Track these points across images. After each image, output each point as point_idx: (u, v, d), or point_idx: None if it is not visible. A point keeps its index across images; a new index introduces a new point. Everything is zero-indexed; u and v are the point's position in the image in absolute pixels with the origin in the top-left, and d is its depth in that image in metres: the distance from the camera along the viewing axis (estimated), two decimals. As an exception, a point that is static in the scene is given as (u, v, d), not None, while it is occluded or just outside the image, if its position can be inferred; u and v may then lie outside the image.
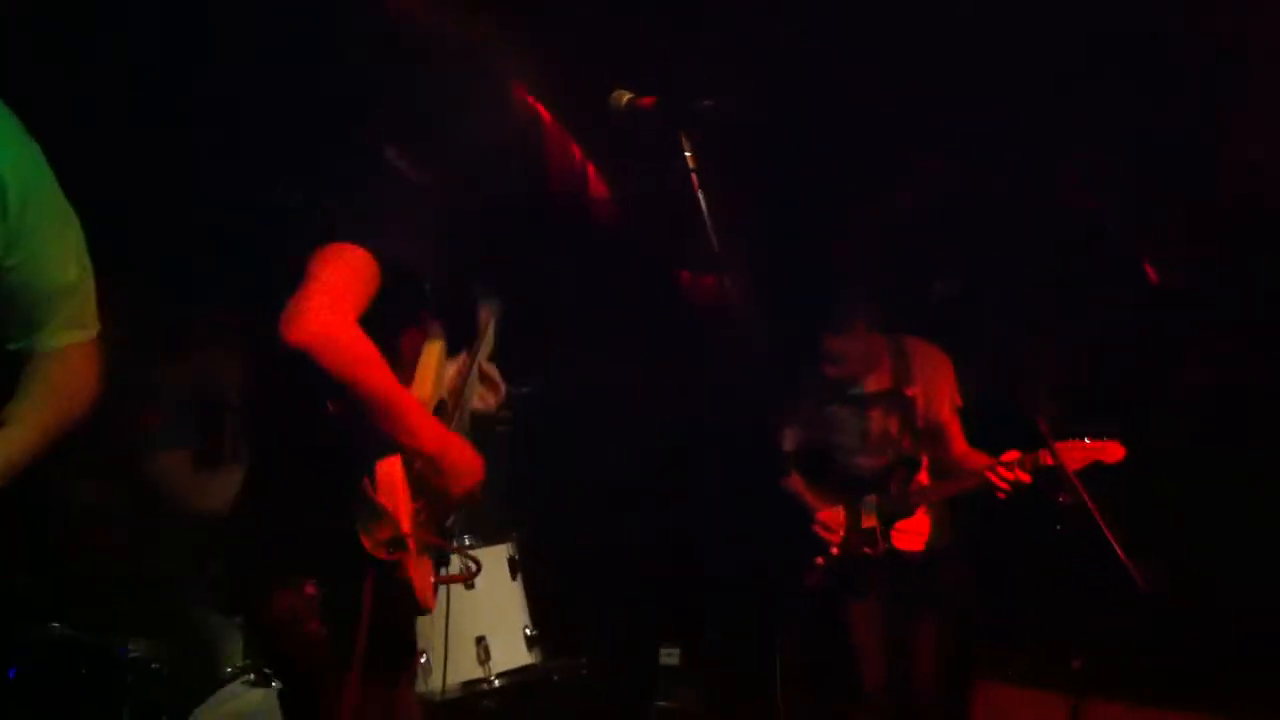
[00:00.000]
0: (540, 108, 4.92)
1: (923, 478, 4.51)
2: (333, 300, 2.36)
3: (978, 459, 4.37)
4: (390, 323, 2.52)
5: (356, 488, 2.40)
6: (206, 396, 3.91)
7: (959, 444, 4.51)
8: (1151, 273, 4.37)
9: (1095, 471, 3.95)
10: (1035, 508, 4.00)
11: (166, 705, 3.45)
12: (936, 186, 4.90)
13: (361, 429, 2.42)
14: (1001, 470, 4.15)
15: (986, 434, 4.49)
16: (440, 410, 2.71)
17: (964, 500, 4.43)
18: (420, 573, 2.54)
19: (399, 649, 2.72)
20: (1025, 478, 4.11)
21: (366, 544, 2.40)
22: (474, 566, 3.38)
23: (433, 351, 2.72)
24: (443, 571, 2.89)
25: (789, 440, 4.61)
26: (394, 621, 2.56)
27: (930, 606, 4.42)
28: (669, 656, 5.12)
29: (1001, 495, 4.13)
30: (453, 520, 2.88)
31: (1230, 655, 4.63)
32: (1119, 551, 3.54)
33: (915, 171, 5.01)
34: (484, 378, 2.95)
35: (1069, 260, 4.86)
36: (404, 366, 2.59)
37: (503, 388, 3.00)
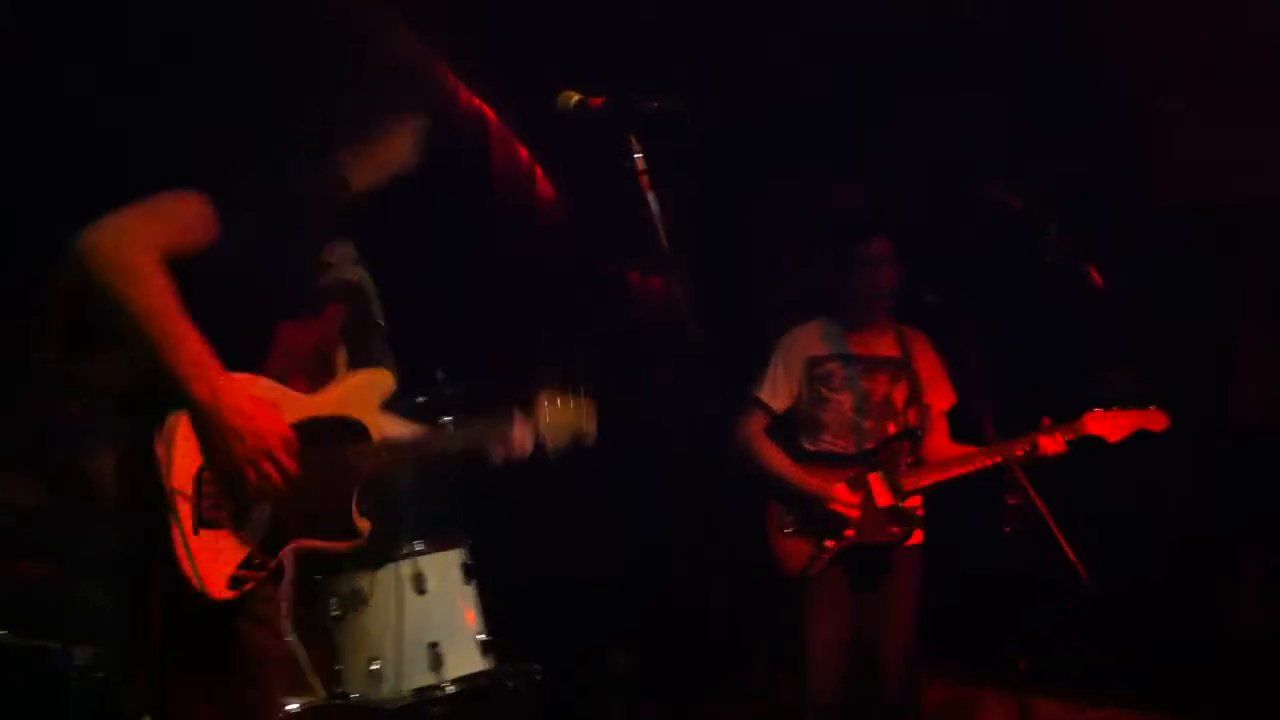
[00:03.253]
0: (487, 109, 4.92)
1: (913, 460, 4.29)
2: (129, 220, 2.27)
3: (960, 449, 4.27)
4: (263, 304, 2.45)
5: (145, 432, 2.27)
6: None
7: (944, 436, 4.41)
8: (1096, 276, 4.42)
9: (1051, 470, 3.97)
10: (981, 507, 4.02)
11: (111, 714, 3.39)
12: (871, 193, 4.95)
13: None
14: (1041, 439, 3.97)
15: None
16: (346, 429, 2.62)
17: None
18: (200, 546, 2.29)
19: (198, 646, 2.40)
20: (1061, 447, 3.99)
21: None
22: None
23: (370, 374, 2.68)
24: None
25: (775, 399, 4.38)
26: (172, 601, 2.28)
27: (899, 600, 4.28)
28: (624, 660, 5.09)
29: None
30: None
31: (1175, 653, 4.70)
32: (1067, 551, 3.57)
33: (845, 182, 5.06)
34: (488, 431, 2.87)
35: (1009, 261, 4.92)
36: (281, 357, 2.50)
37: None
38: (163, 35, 3.93)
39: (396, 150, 2.65)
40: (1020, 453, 3.99)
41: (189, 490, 2.31)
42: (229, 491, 2.38)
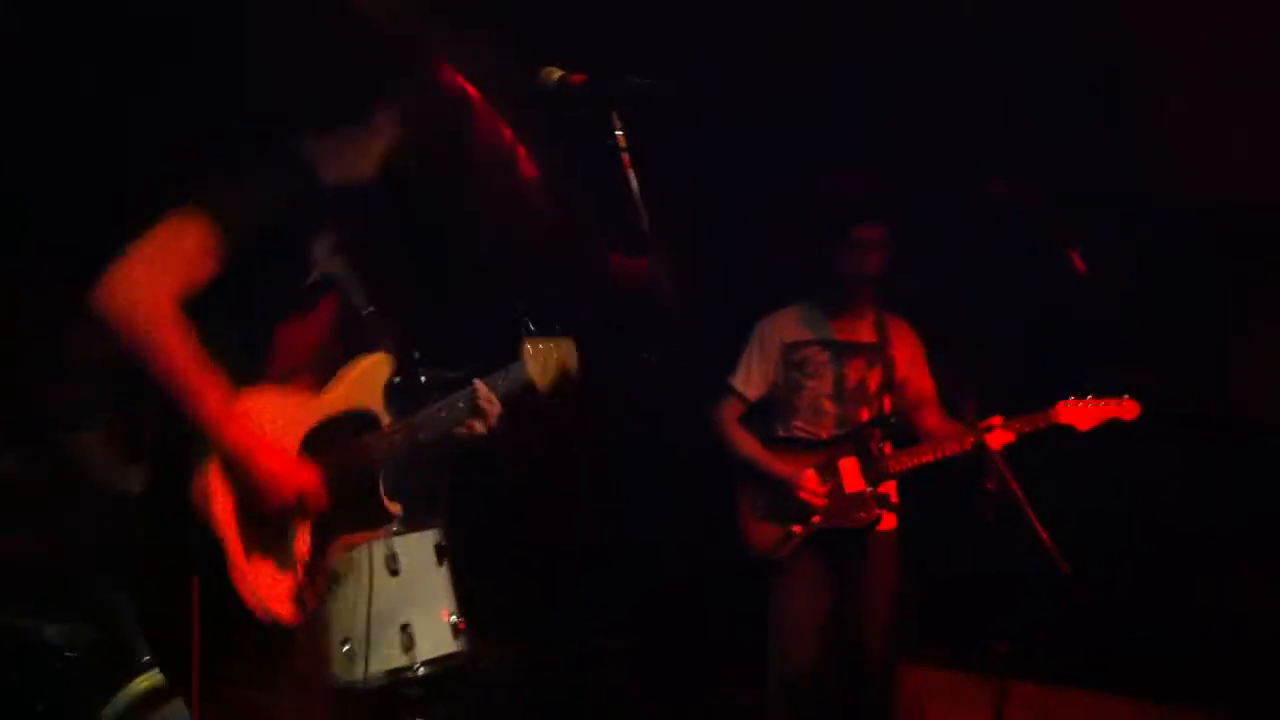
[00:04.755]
0: (470, 88, 4.88)
1: (886, 446, 4.31)
2: (147, 270, 2.28)
3: (953, 428, 4.26)
4: (261, 312, 2.47)
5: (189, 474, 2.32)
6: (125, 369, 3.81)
7: (936, 415, 4.41)
8: (1079, 263, 4.41)
9: (1047, 465, 3.98)
10: (959, 491, 4.03)
11: (83, 693, 3.36)
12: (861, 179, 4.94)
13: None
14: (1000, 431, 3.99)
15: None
16: (358, 421, 2.64)
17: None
18: (256, 577, 2.38)
19: (243, 660, 2.45)
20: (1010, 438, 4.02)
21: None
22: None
23: (369, 362, 2.68)
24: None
25: (749, 386, 4.39)
26: (230, 630, 2.35)
27: (875, 586, 4.28)
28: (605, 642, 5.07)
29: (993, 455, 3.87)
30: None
31: (1152, 639, 4.72)
32: (1043, 537, 3.58)
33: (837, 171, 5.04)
34: (475, 407, 2.84)
35: (993, 249, 4.92)
36: (284, 359, 2.51)
37: (494, 413, 2.90)
38: (152, 34, 3.90)
39: (381, 138, 2.63)
40: (970, 443, 4.02)
41: (232, 523, 2.36)
42: (267, 521, 2.42)
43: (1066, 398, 4.14)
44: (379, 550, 3.83)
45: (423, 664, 3.81)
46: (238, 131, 2.69)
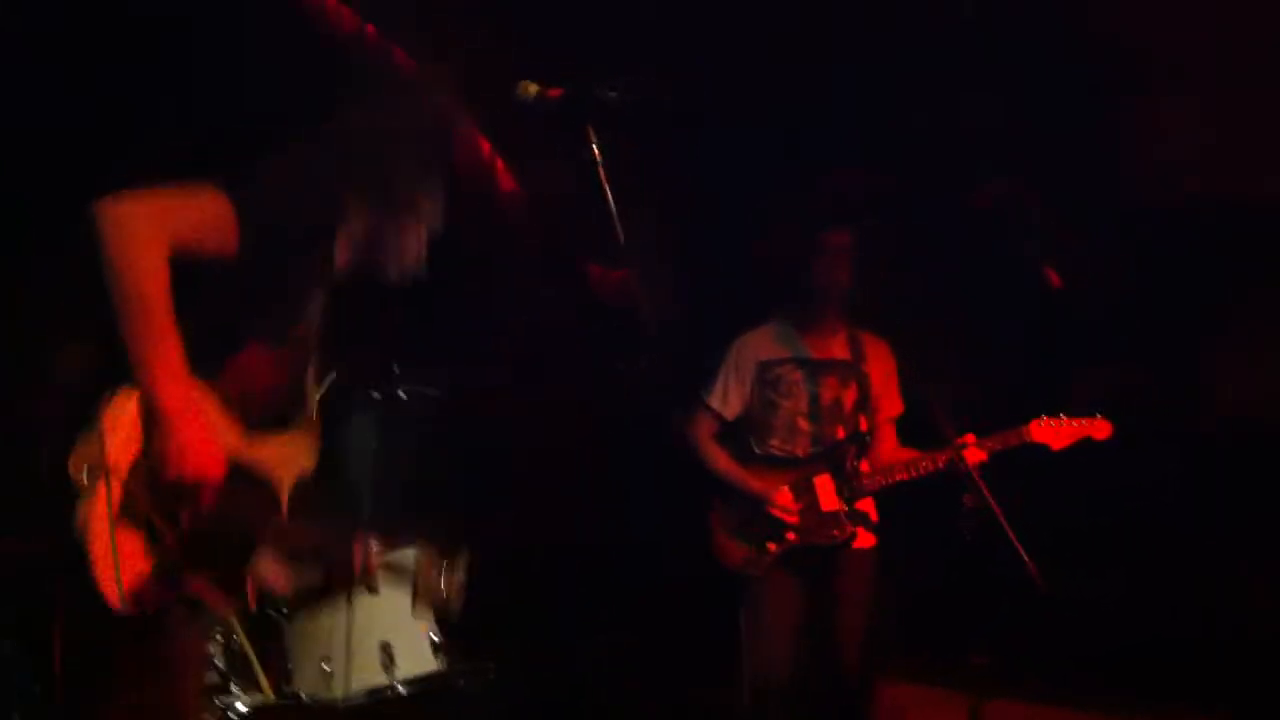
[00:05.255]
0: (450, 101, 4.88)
1: (864, 465, 4.33)
2: (156, 205, 2.26)
3: (907, 454, 4.30)
4: (235, 320, 2.44)
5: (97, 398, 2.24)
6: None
7: (891, 442, 4.44)
8: (1054, 278, 4.44)
9: (1033, 473, 4.01)
10: (936, 507, 4.04)
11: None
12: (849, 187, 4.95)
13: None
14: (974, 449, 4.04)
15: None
16: (262, 490, 2.56)
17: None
18: (107, 546, 2.20)
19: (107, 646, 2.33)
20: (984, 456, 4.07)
21: (69, 464, 2.20)
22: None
23: (299, 444, 2.64)
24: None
25: (725, 407, 4.40)
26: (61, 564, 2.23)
27: (852, 599, 4.30)
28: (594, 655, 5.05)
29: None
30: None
31: (1128, 654, 4.72)
32: (1020, 552, 3.59)
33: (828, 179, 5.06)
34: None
35: (985, 250, 4.95)
36: (237, 375, 2.47)
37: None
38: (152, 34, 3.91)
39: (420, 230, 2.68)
40: (944, 460, 4.04)
41: (123, 473, 2.26)
42: (154, 493, 2.31)
43: (1039, 416, 4.17)
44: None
45: (403, 682, 3.79)
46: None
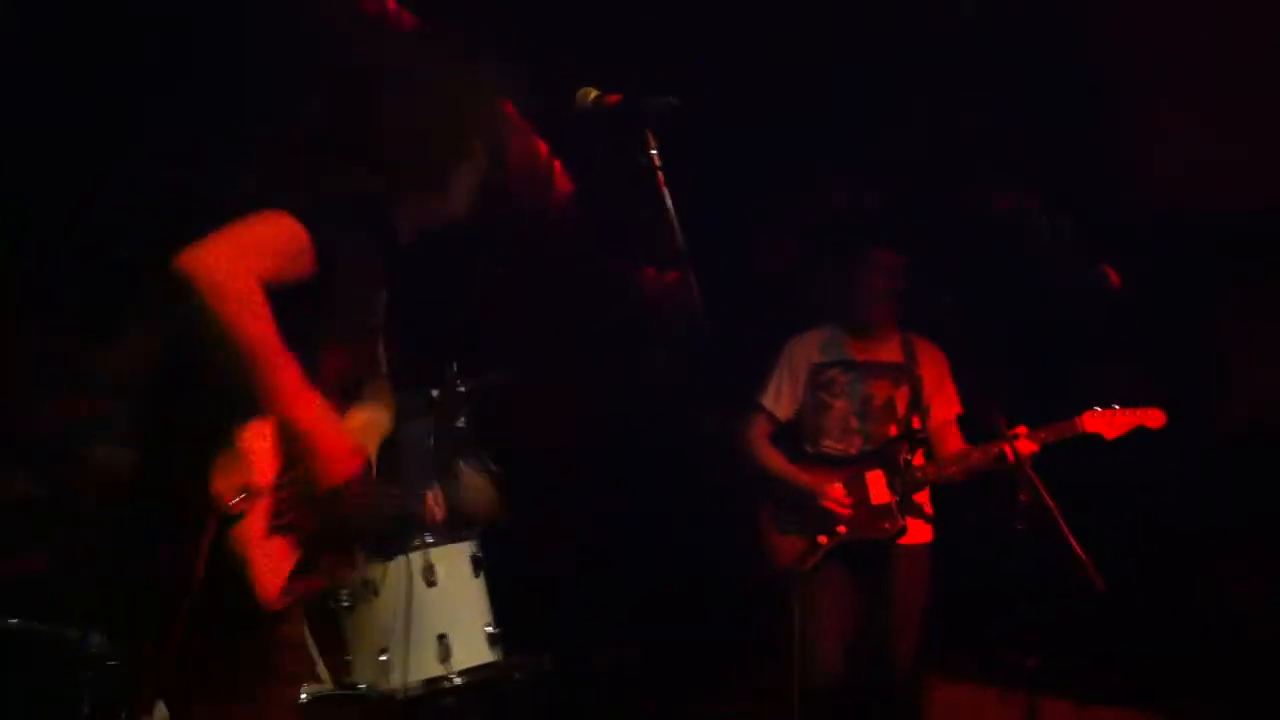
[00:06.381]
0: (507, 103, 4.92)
1: (917, 459, 4.36)
2: (238, 248, 2.33)
3: (971, 449, 4.31)
4: (314, 330, 2.50)
5: (227, 429, 2.34)
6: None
7: (956, 439, 4.45)
8: (1114, 277, 4.42)
9: (1050, 472, 3.98)
10: (991, 504, 4.03)
11: (126, 703, 3.39)
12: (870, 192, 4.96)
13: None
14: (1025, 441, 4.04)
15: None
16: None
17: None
18: (265, 552, 2.38)
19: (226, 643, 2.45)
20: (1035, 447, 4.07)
21: (216, 486, 2.31)
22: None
23: (372, 415, 2.72)
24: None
25: (779, 407, 4.46)
26: (223, 591, 2.33)
27: (903, 600, 4.32)
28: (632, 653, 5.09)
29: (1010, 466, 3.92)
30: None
31: (1184, 655, 4.70)
32: (1077, 550, 3.58)
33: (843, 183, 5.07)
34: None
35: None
36: (322, 380, 2.53)
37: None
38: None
39: (456, 199, 2.71)
40: (995, 453, 4.03)
41: (269, 490, 2.39)
42: (300, 505, 2.45)
43: (1090, 407, 4.16)
44: (417, 561, 3.87)
45: (459, 674, 3.84)
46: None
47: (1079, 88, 4.89)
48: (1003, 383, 4.16)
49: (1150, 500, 4.88)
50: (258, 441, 2.37)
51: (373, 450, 2.74)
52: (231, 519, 2.32)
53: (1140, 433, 4.16)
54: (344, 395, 2.66)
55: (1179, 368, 4.90)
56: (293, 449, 2.41)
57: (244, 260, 2.32)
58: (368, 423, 2.73)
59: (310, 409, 2.41)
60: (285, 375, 2.36)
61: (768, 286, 4.69)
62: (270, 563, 2.40)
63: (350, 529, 2.70)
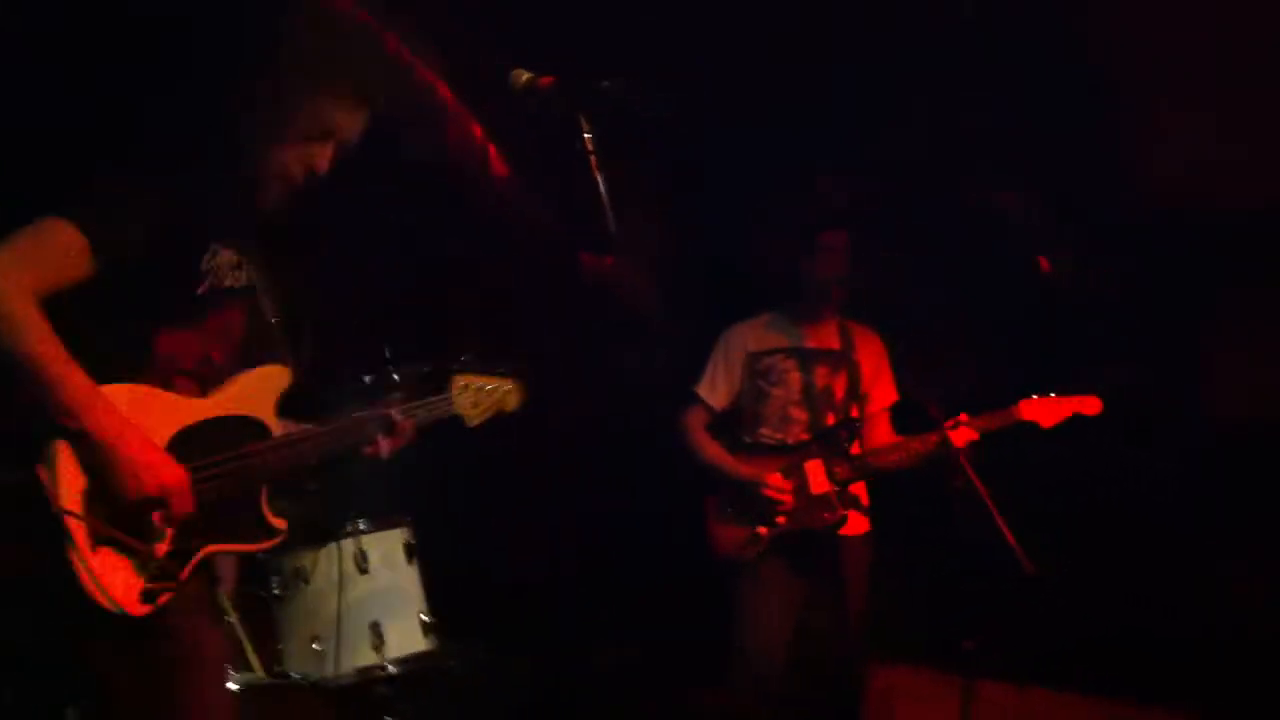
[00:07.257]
0: (441, 86, 4.88)
1: (855, 449, 4.35)
2: (5, 264, 2.30)
3: (904, 440, 4.31)
4: (136, 316, 2.46)
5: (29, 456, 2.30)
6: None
7: (886, 430, 4.46)
8: (1045, 264, 4.46)
9: (1029, 462, 4.02)
10: (925, 490, 4.06)
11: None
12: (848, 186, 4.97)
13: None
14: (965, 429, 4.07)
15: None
16: (244, 429, 2.60)
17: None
18: (105, 569, 2.32)
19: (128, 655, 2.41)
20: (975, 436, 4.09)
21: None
22: None
23: (263, 371, 2.66)
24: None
25: (714, 396, 4.45)
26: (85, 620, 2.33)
27: (844, 589, 4.28)
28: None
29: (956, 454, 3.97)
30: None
31: (1118, 637, 4.76)
32: (1007, 535, 3.61)
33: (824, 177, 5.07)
34: (389, 429, 2.83)
35: (968, 253, 4.97)
36: (163, 363, 2.50)
37: (405, 439, 2.88)
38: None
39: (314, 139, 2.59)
40: (936, 441, 4.06)
41: (79, 510, 2.32)
42: (125, 511, 2.37)
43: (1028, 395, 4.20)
44: (348, 548, 3.83)
45: (392, 662, 3.81)
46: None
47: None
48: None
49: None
50: (57, 461, 2.32)
51: (272, 403, 2.68)
52: (58, 533, 2.28)
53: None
54: (209, 374, 2.60)
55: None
56: (93, 461, 2.34)
57: (13, 272, 2.30)
58: (253, 383, 2.66)
59: (103, 419, 2.34)
60: (68, 386, 2.31)
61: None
62: (111, 574, 2.33)
63: (255, 500, 2.63)
